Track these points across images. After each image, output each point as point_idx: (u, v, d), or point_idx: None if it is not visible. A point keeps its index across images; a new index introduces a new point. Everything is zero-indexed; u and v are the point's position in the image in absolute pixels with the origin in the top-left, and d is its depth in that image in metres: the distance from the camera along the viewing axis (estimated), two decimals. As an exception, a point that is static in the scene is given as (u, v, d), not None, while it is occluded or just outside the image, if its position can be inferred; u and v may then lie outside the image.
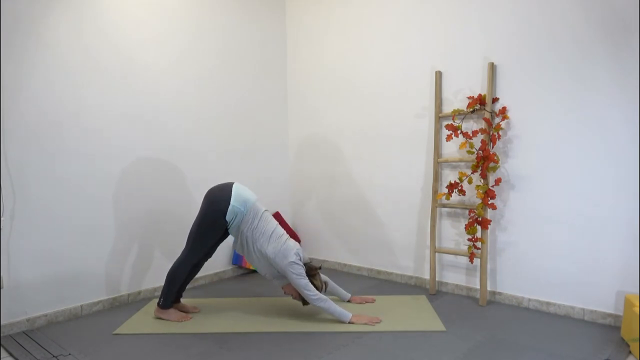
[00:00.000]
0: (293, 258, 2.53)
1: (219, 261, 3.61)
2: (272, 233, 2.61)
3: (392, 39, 3.42)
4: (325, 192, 3.95)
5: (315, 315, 2.70)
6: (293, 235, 3.89)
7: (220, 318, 2.68)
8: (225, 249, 3.65)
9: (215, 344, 2.31)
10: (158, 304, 2.67)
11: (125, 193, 3.00)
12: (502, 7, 2.87)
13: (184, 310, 2.77)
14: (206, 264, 3.34)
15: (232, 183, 2.68)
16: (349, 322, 2.53)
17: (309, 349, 2.23)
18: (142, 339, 2.39)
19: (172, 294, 2.67)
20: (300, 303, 2.76)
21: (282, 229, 2.70)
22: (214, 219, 2.59)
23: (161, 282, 3.22)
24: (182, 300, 2.85)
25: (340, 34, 3.75)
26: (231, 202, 2.57)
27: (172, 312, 2.67)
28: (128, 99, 3.00)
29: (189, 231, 2.71)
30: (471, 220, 2.88)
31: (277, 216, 3.96)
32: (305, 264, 2.61)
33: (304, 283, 2.51)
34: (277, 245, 2.57)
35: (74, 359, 2.16)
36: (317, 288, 2.58)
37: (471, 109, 2.93)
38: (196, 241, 2.65)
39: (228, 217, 2.57)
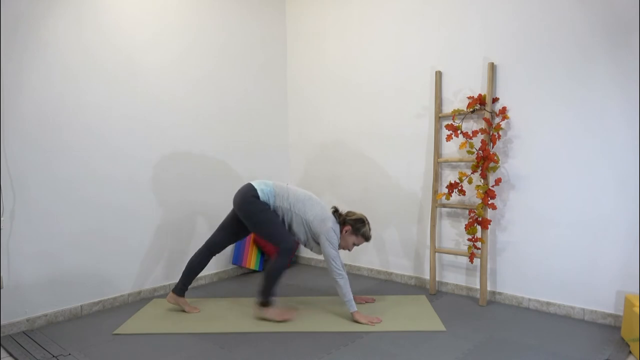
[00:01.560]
0: (332, 224, 2.60)
1: (219, 261, 3.61)
2: (305, 198, 2.67)
3: (392, 39, 3.42)
4: (325, 192, 3.95)
5: (315, 315, 2.70)
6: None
7: (220, 318, 2.68)
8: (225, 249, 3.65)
9: (215, 344, 2.31)
10: (264, 302, 2.59)
11: (125, 193, 3.00)
12: (502, 7, 2.87)
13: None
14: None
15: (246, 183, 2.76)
16: (351, 314, 2.55)
17: (309, 349, 2.23)
18: (142, 339, 2.39)
19: (270, 292, 2.58)
20: (297, 303, 2.75)
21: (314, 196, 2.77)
22: (255, 206, 2.60)
23: (161, 282, 3.23)
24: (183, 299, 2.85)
25: (341, 34, 3.75)
26: (256, 189, 2.63)
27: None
28: (128, 100, 3.00)
29: (259, 235, 2.70)
30: (471, 220, 2.88)
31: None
32: (351, 216, 2.69)
33: (334, 254, 2.56)
34: (316, 209, 2.63)
35: (74, 359, 2.16)
36: (366, 238, 2.70)
37: (471, 109, 2.93)
38: (269, 228, 2.61)
39: (263, 199, 2.62)
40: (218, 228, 2.87)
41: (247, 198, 2.62)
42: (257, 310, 2.63)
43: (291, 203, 2.64)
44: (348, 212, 2.74)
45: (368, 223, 2.73)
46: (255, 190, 2.63)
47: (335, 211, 2.74)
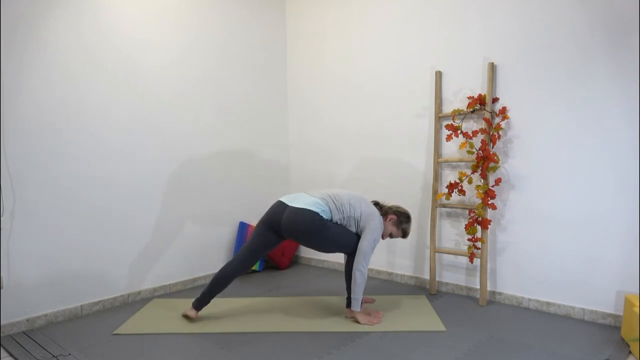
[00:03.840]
0: (379, 222, 2.60)
1: (219, 261, 3.61)
2: (349, 198, 2.63)
3: (392, 39, 3.42)
4: (325, 192, 3.95)
5: (315, 315, 2.70)
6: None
7: (220, 318, 2.68)
8: (224, 249, 3.66)
9: (215, 344, 2.31)
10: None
11: (125, 192, 3.00)
12: (502, 7, 2.87)
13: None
14: (206, 263, 3.35)
15: (285, 206, 2.58)
16: (353, 312, 2.56)
17: (309, 349, 2.23)
18: (142, 339, 2.39)
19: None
20: (297, 303, 2.75)
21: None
22: (326, 228, 2.51)
23: (161, 282, 3.23)
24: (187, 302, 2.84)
25: (341, 34, 3.75)
26: (317, 211, 2.51)
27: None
28: (128, 100, 3.00)
29: (330, 252, 2.63)
30: (471, 220, 2.88)
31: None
32: (399, 208, 2.74)
33: (369, 251, 2.54)
34: (362, 206, 2.61)
35: (74, 359, 2.16)
36: (404, 234, 2.73)
37: (471, 109, 2.93)
38: (342, 240, 2.56)
39: (326, 217, 2.55)
40: (247, 251, 2.63)
41: (315, 222, 2.48)
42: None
43: (342, 210, 2.59)
44: (394, 205, 2.76)
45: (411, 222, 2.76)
46: (317, 213, 2.51)
47: (377, 204, 2.75)
